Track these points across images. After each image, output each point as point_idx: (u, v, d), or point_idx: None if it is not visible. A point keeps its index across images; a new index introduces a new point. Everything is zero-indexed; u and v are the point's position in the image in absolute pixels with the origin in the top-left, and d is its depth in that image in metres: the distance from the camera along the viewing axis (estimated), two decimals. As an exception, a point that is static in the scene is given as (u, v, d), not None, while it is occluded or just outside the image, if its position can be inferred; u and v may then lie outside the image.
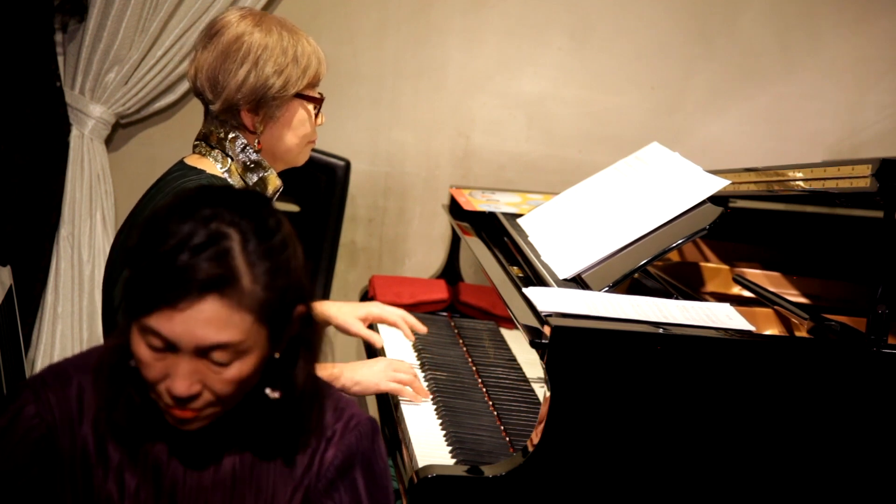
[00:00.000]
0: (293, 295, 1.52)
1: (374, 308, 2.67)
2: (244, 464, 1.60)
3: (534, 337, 2.05)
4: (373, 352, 2.74)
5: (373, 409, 2.58)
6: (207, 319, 1.44)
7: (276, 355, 1.55)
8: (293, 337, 1.55)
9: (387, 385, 2.37)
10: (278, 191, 2.31)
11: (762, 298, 2.53)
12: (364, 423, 1.65)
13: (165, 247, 1.44)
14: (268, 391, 1.56)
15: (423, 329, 2.66)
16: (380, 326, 2.90)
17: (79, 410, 1.59)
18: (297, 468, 1.61)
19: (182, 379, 1.47)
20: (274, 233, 1.50)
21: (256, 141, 2.25)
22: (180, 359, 1.47)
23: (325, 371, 2.33)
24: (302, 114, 2.28)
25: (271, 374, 1.55)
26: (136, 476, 1.58)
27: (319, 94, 2.31)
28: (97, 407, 1.58)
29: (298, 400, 1.57)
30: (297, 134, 2.29)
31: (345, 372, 2.36)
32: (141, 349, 1.48)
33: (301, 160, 2.34)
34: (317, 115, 2.31)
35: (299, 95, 2.25)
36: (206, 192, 1.52)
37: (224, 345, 1.46)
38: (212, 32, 2.23)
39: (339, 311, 2.63)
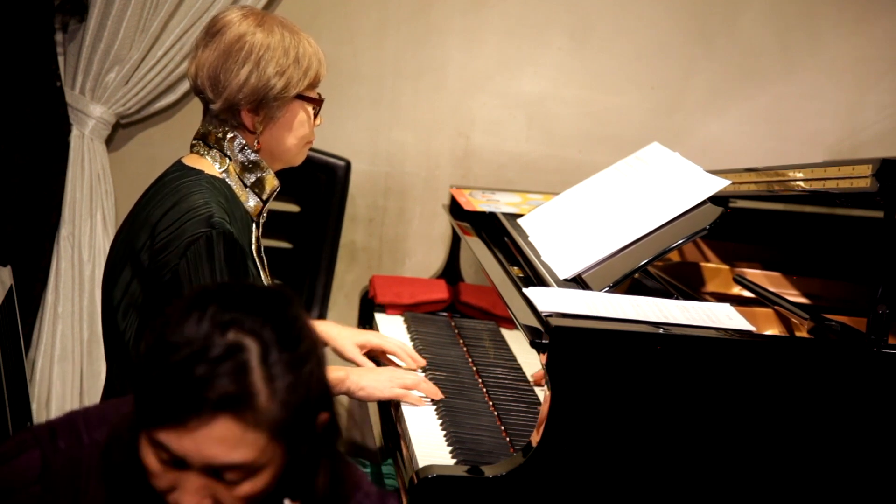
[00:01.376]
0: (314, 407, 1.43)
1: (374, 338, 2.61)
2: None
3: (534, 337, 2.05)
4: (376, 359, 2.74)
5: (373, 409, 2.58)
6: (219, 439, 1.35)
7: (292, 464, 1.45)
8: (314, 443, 1.46)
9: (392, 392, 2.37)
10: (275, 191, 2.31)
11: (762, 298, 2.53)
12: (375, 500, 1.59)
13: (178, 356, 1.34)
14: (285, 501, 1.48)
15: (421, 362, 2.56)
16: (380, 327, 2.90)
17: (87, 479, 1.51)
18: None
19: (191, 495, 1.39)
20: (298, 341, 1.40)
21: (256, 141, 2.25)
22: (189, 474, 1.39)
23: (331, 373, 2.33)
24: (302, 115, 2.28)
25: (290, 482, 1.46)
26: None
27: (319, 95, 2.31)
28: (107, 481, 1.49)
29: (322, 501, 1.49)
30: (296, 135, 2.29)
31: (351, 376, 2.36)
32: (149, 458, 1.40)
33: (298, 160, 2.35)
34: (316, 117, 2.32)
35: (300, 97, 2.26)
36: (226, 292, 1.41)
37: (236, 466, 1.38)
38: (213, 31, 2.23)
39: (339, 334, 2.58)
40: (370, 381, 2.38)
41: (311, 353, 1.41)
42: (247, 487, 1.39)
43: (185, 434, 1.35)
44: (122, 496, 1.47)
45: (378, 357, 2.63)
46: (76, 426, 1.54)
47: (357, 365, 2.55)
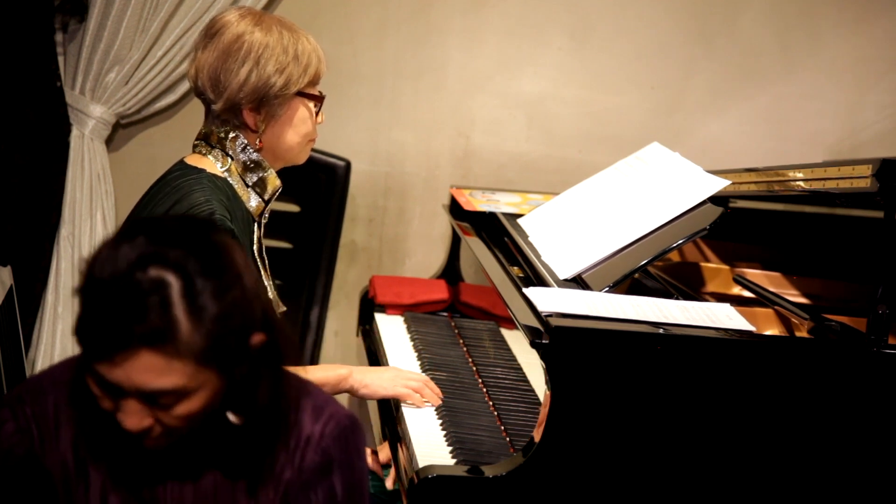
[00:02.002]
0: (243, 331, 1.47)
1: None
2: (225, 477, 1.58)
3: (534, 337, 2.05)
4: (376, 358, 2.74)
5: (373, 409, 2.58)
6: (145, 369, 1.41)
7: (237, 377, 1.50)
8: (254, 360, 1.51)
9: (395, 391, 2.37)
10: (277, 191, 2.31)
11: (762, 298, 2.53)
12: (343, 422, 1.62)
13: (103, 293, 1.40)
14: (229, 416, 1.53)
15: (439, 398, 2.43)
16: (380, 327, 2.90)
17: (56, 426, 1.58)
18: (277, 471, 1.60)
19: (131, 416, 1.45)
20: (223, 270, 1.44)
21: (258, 140, 2.25)
22: (128, 400, 1.45)
23: (333, 371, 2.34)
24: (303, 112, 2.28)
25: (232, 399, 1.52)
26: (120, 494, 1.57)
27: (320, 92, 2.31)
28: (76, 425, 1.57)
29: (266, 414, 1.55)
30: (298, 132, 2.29)
31: (354, 374, 2.36)
32: (91, 384, 1.47)
33: (301, 159, 2.35)
34: (317, 114, 2.32)
35: (301, 94, 2.26)
36: (154, 224, 1.46)
37: (167, 391, 1.43)
38: (212, 32, 2.24)
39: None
40: (374, 380, 2.37)
41: (237, 280, 1.45)
42: (182, 409, 1.46)
43: (114, 366, 1.41)
44: (88, 432, 1.55)
45: (380, 358, 2.64)
46: (40, 386, 1.60)
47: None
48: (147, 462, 1.57)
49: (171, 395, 1.44)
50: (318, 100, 2.31)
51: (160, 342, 1.40)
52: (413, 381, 2.40)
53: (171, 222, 1.48)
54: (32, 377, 1.64)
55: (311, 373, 2.29)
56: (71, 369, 1.58)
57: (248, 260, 1.52)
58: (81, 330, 1.44)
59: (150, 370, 1.41)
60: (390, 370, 2.44)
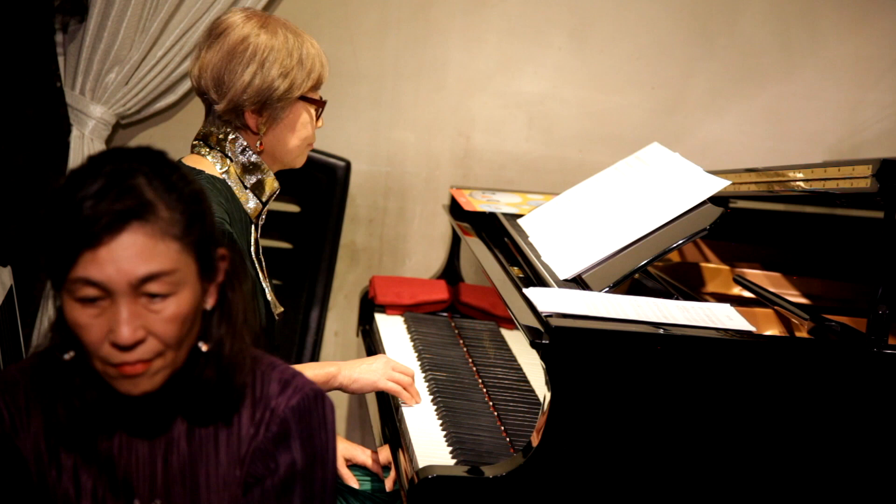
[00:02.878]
0: (210, 230, 1.55)
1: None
2: (192, 445, 1.62)
3: (534, 337, 2.05)
4: (373, 351, 2.74)
5: (373, 410, 2.58)
6: (133, 251, 1.45)
7: (207, 308, 1.57)
8: (221, 285, 1.58)
9: (385, 384, 2.37)
10: (275, 193, 2.31)
11: (762, 299, 2.53)
12: (307, 394, 1.65)
13: (74, 199, 1.45)
14: (200, 344, 1.57)
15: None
16: (380, 328, 2.91)
17: (27, 413, 1.60)
18: (243, 442, 1.63)
19: (124, 325, 1.47)
20: (173, 170, 1.53)
21: (259, 142, 2.25)
22: (118, 304, 1.46)
23: (322, 369, 2.34)
24: (305, 116, 2.29)
25: (203, 329, 1.57)
26: (92, 474, 1.60)
27: (321, 97, 2.32)
28: (46, 410, 1.59)
29: (228, 359, 1.59)
30: (298, 136, 2.29)
31: (342, 370, 2.36)
32: (76, 312, 1.48)
33: (299, 162, 2.35)
34: (318, 118, 2.32)
35: (303, 98, 2.26)
36: (102, 152, 1.55)
37: (156, 274, 1.47)
38: (216, 32, 2.24)
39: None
40: (363, 373, 2.36)
41: (188, 180, 1.53)
42: (172, 306, 1.49)
43: (101, 254, 1.44)
44: (56, 412, 1.57)
45: (375, 348, 2.63)
46: (11, 374, 1.64)
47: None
48: (118, 439, 1.60)
49: (162, 282, 1.47)
50: (320, 105, 2.31)
51: (142, 215, 1.46)
52: (400, 374, 2.39)
53: (120, 148, 1.57)
54: (6, 368, 1.69)
55: (301, 371, 2.28)
56: (33, 360, 1.61)
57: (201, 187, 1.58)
58: (55, 244, 1.46)
59: (139, 252, 1.45)
60: (379, 360, 2.42)
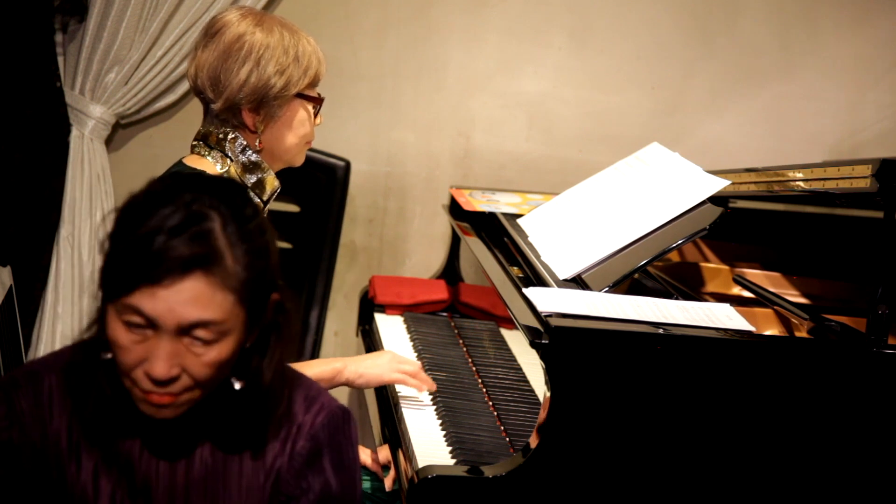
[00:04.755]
0: (270, 280, 1.55)
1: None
2: (216, 457, 1.61)
3: (534, 337, 2.05)
4: (372, 351, 2.73)
5: (373, 410, 2.58)
6: (190, 297, 1.45)
7: (247, 346, 1.56)
8: (265, 326, 1.57)
9: (391, 376, 2.36)
10: (276, 191, 2.31)
11: (762, 299, 2.53)
12: (335, 412, 1.66)
13: (146, 228, 1.46)
14: (233, 381, 1.56)
15: (432, 386, 2.46)
16: (380, 328, 2.90)
17: (50, 410, 1.60)
18: (267, 458, 1.63)
19: (162, 361, 1.47)
20: (251, 218, 1.53)
21: (257, 141, 2.25)
22: (160, 340, 1.47)
23: (328, 365, 2.34)
24: (302, 113, 2.28)
25: (240, 364, 1.56)
26: (111, 477, 1.59)
27: (319, 94, 2.32)
28: (69, 408, 1.59)
29: (265, 391, 1.58)
30: (296, 134, 2.29)
31: (348, 365, 2.36)
32: (118, 332, 1.48)
33: (298, 161, 2.35)
34: (316, 116, 2.32)
35: (300, 95, 2.26)
36: (185, 178, 1.55)
37: (206, 322, 1.47)
38: (212, 32, 2.24)
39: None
40: (368, 367, 2.37)
41: (264, 230, 1.54)
42: (214, 353, 1.49)
43: (159, 292, 1.45)
44: (84, 416, 1.58)
45: (375, 347, 2.63)
46: (35, 370, 1.62)
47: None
48: (141, 444, 1.60)
49: (210, 330, 1.47)
50: (318, 102, 2.31)
51: (208, 266, 1.46)
52: (407, 365, 2.39)
53: (201, 176, 1.57)
54: (29, 362, 1.67)
55: (306, 368, 2.29)
56: (68, 355, 1.60)
57: (267, 221, 1.58)
58: (119, 265, 1.46)
59: (196, 299, 1.45)
60: (385, 355, 2.42)
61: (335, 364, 2.35)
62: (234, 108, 2.23)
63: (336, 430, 1.65)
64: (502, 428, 2.30)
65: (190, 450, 1.61)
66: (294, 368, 1.69)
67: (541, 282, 2.43)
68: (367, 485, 2.44)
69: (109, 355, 1.52)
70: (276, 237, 1.59)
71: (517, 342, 2.62)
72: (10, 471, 1.58)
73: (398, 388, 2.45)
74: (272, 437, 1.63)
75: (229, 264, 1.47)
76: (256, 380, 1.58)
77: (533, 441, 2.05)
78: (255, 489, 1.62)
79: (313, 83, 2.29)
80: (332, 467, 1.64)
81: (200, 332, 1.48)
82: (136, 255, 1.45)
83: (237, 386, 1.56)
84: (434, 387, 2.40)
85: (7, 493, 1.58)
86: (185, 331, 1.47)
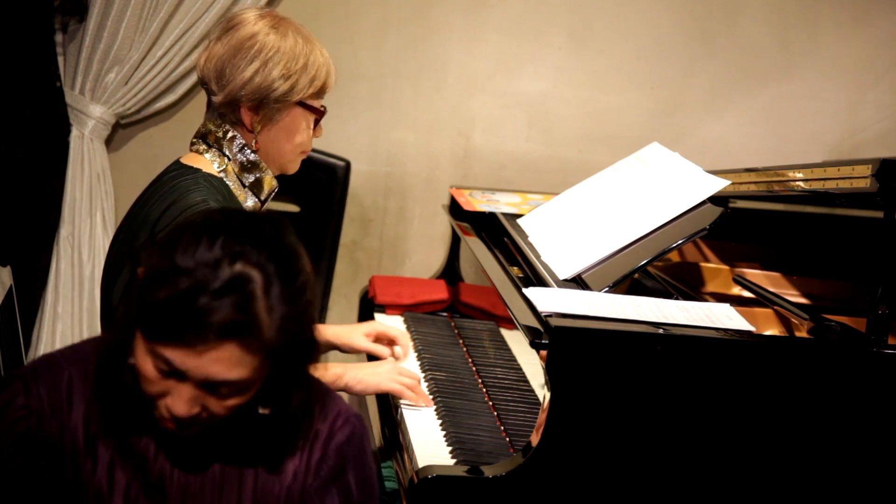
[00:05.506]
0: (303, 337, 1.53)
1: (377, 325, 2.61)
2: (233, 462, 1.62)
3: (534, 337, 2.05)
4: (375, 358, 2.73)
5: (373, 410, 2.58)
6: (221, 360, 1.46)
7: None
8: (296, 361, 1.56)
9: (389, 385, 2.37)
10: (274, 191, 2.30)
11: (762, 298, 2.53)
12: (352, 421, 1.66)
13: (189, 282, 1.43)
14: (260, 409, 1.57)
15: (410, 351, 2.60)
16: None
17: (69, 401, 1.60)
18: (285, 465, 1.63)
19: (183, 403, 1.49)
20: (296, 275, 1.50)
21: (254, 140, 2.25)
22: (186, 385, 1.49)
23: (328, 371, 2.34)
24: (301, 122, 2.27)
25: (265, 393, 1.56)
26: (127, 472, 1.60)
27: (322, 106, 2.30)
28: (88, 401, 1.59)
29: (291, 417, 1.59)
30: (292, 141, 2.28)
31: (348, 371, 2.36)
32: (146, 366, 1.49)
33: (291, 169, 2.33)
34: (316, 127, 2.31)
35: (302, 104, 2.25)
36: (234, 223, 1.50)
37: (233, 382, 1.48)
38: (228, 26, 2.24)
39: (346, 332, 2.56)
40: (367, 375, 2.37)
41: (307, 285, 1.51)
42: (234, 401, 1.51)
43: (190, 354, 1.44)
44: (105, 412, 1.58)
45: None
46: (55, 361, 1.63)
47: (373, 354, 2.57)
48: (157, 442, 1.60)
49: (233, 388, 1.48)
50: (319, 113, 2.29)
51: (244, 335, 1.45)
52: (407, 377, 2.40)
53: (250, 220, 1.51)
54: (49, 353, 1.67)
55: None
56: (97, 348, 1.60)
57: (313, 269, 1.55)
58: (156, 313, 1.45)
59: (226, 362, 1.45)
60: (385, 364, 2.43)
61: (336, 369, 2.35)
62: (233, 103, 2.22)
63: (359, 441, 1.66)
64: (502, 428, 2.30)
65: (206, 450, 1.61)
66: (326, 378, 1.71)
67: (541, 282, 2.43)
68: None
69: (132, 361, 1.52)
70: (314, 321, 1.55)
71: (517, 342, 2.62)
72: (29, 460, 1.58)
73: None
74: (290, 447, 1.64)
75: (266, 332, 1.46)
76: (283, 407, 1.58)
77: (533, 441, 2.05)
78: (270, 496, 1.62)
79: (319, 94, 2.28)
80: (356, 477, 1.65)
81: (225, 389, 1.49)
82: (175, 312, 1.44)
83: (263, 412, 1.57)
84: (431, 403, 2.40)
85: (25, 483, 1.58)
86: (208, 386, 1.49)
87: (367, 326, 2.60)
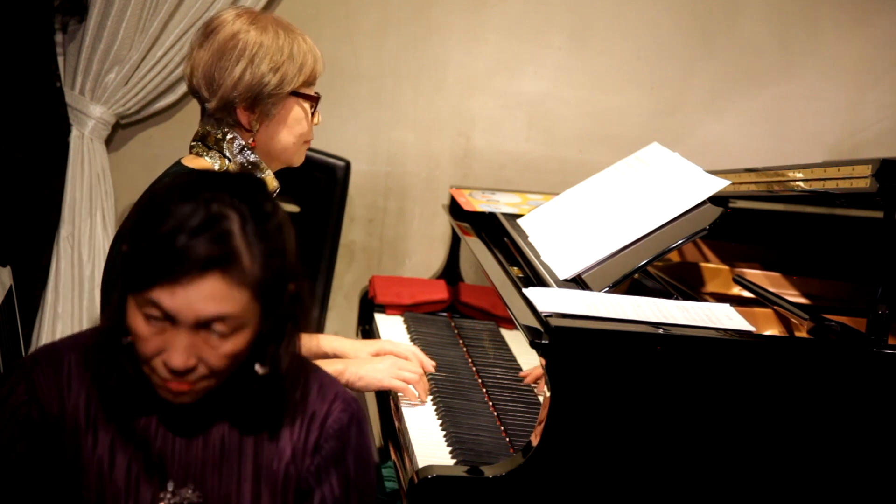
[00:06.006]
0: (286, 275, 1.59)
1: (387, 345, 2.56)
2: (232, 438, 1.65)
3: (534, 337, 2.05)
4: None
5: (373, 410, 2.58)
6: (208, 294, 1.50)
7: (264, 331, 1.60)
8: (282, 315, 1.61)
9: (390, 382, 2.37)
10: (275, 192, 2.31)
11: (762, 299, 2.53)
12: (351, 404, 1.70)
13: (167, 227, 1.50)
14: (257, 367, 1.61)
15: (431, 366, 2.50)
16: (380, 328, 2.90)
17: (69, 385, 1.65)
18: (283, 442, 1.66)
19: (179, 352, 1.52)
20: (270, 216, 1.56)
21: (251, 139, 2.25)
22: (178, 332, 1.52)
23: (330, 366, 2.34)
24: (298, 112, 2.28)
25: (259, 351, 1.61)
26: (128, 451, 1.63)
27: (316, 93, 2.31)
28: (88, 384, 1.64)
29: (283, 376, 1.62)
30: (293, 132, 2.29)
31: (349, 367, 2.36)
32: (138, 323, 1.53)
33: (297, 160, 2.34)
34: (313, 114, 2.32)
35: (295, 93, 2.26)
36: (205, 175, 1.60)
37: (223, 317, 1.52)
38: (208, 31, 2.24)
39: (353, 347, 2.53)
40: (368, 371, 2.37)
41: (282, 227, 1.58)
42: (229, 345, 1.54)
43: (178, 291, 1.50)
44: (103, 393, 1.63)
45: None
46: (56, 348, 1.69)
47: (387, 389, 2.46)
48: (157, 421, 1.64)
49: (225, 324, 1.52)
50: (314, 100, 2.30)
51: (226, 266, 1.51)
52: (408, 372, 2.39)
53: (223, 175, 1.62)
54: (50, 343, 1.73)
55: None
56: (89, 336, 1.66)
57: (288, 219, 1.61)
58: (140, 260, 1.51)
59: (213, 296, 1.50)
60: (386, 360, 2.42)
61: (337, 366, 2.35)
62: (228, 106, 2.23)
63: (357, 424, 1.69)
64: (502, 428, 2.30)
65: (206, 428, 1.65)
66: (303, 356, 1.73)
67: (541, 282, 2.43)
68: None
69: (130, 339, 1.57)
70: (294, 231, 1.63)
71: (517, 342, 2.62)
72: (32, 445, 1.63)
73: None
74: (287, 423, 1.67)
75: (246, 264, 1.52)
76: (274, 366, 1.62)
77: (533, 441, 2.05)
78: (269, 473, 1.66)
79: (309, 81, 2.29)
80: (354, 459, 1.69)
81: (217, 326, 1.53)
82: (158, 252, 1.50)
83: (261, 371, 1.61)
84: (425, 399, 2.40)
85: (30, 468, 1.62)
86: (202, 325, 1.52)
87: (376, 346, 2.54)
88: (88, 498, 1.62)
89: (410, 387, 2.38)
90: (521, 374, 2.50)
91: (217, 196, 1.53)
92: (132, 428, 1.64)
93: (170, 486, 1.64)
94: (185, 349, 1.52)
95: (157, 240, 1.50)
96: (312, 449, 1.66)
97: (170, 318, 1.51)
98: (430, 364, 2.50)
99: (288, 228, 1.60)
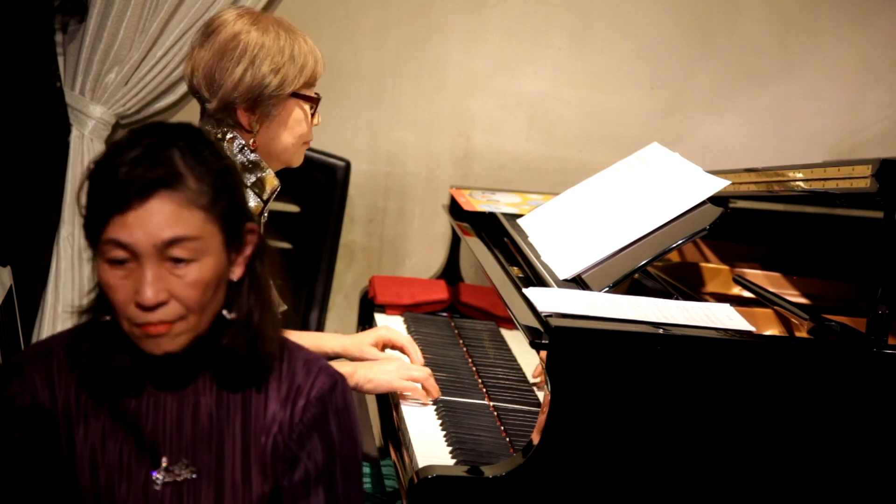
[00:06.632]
0: (240, 205, 1.63)
1: (384, 331, 2.57)
2: (219, 414, 1.68)
3: (534, 337, 2.05)
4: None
5: (373, 409, 2.58)
6: (160, 217, 1.54)
7: (234, 279, 1.64)
8: (249, 263, 1.66)
9: (400, 383, 2.36)
10: (276, 191, 2.31)
11: (762, 299, 2.53)
12: (334, 375, 1.73)
13: (108, 164, 1.56)
14: (224, 312, 1.64)
15: (421, 360, 2.52)
16: (379, 325, 2.90)
17: (58, 379, 1.68)
18: (268, 416, 1.69)
19: (148, 286, 1.55)
20: (208, 146, 1.62)
21: (252, 140, 2.25)
22: (143, 267, 1.55)
23: (339, 369, 2.33)
24: (298, 113, 2.28)
25: (229, 299, 1.65)
26: (118, 435, 1.66)
27: (316, 94, 2.31)
28: (77, 375, 1.67)
29: (257, 329, 1.66)
30: (293, 133, 2.29)
31: (358, 370, 2.36)
32: (106, 273, 1.57)
33: (296, 161, 2.34)
34: (313, 115, 2.32)
35: (296, 94, 2.26)
36: (144, 125, 1.66)
37: (180, 238, 1.55)
38: (208, 31, 2.24)
39: (351, 342, 2.52)
40: (377, 373, 2.36)
41: (220, 157, 1.62)
42: (194, 272, 1.57)
43: (129, 219, 1.54)
44: (91, 371, 1.66)
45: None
46: (47, 343, 1.73)
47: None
48: (146, 403, 1.67)
49: (186, 247, 1.55)
50: (314, 101, 2.30)
51: (173, 185, 1.55)
52: (416, 372, 2.39)
53: (162, 123, 1.67)
54: (39, 340, 1.79)
55: None
56: (74, 329, 1.69)
57: (234, 163, 1.67)
58: (90, 207, 1.57)
59: (165, 218, 1.54)
60: (393, 362, 2.42)
61: (345, 368, 2.34)
62: (229, 107, 2.23)
63: (341, 391, 1.72)
64: (502, 428, 2.30)
65: (195, 405, 1.68)
66: (292, 339, 1.76)
67: (541, 282, 2.43)
68: (367, 485, 2.44)
69: (108, 317, 1.61)
70: (241, 185, 1.67)
71: (517, 342, 2.62)
72: (28, 435, 1.66)
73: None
74: (273, 397, 1.69)
75: (191, 184, 1.56)
76: (246, 315, 1.65)
77: (533, 441, 2.05)
78: (256, 446, 1.68)
79: (309, 83, 2.29)
80: (338, 429, 1.71)
81: (178, 251, 1.55)
82: (103, 189, 1.55)
83: (229, 316, 1.64)
84: (439, 394, 2.40)
85: (27, 455, 1.66)
86: (163, 252, 1.55)
87: (374, 335, 2.55)
88: (83, 482, 1.66)
89: (419, 386, 2.38)
90: (534, 374, 2.49)
91: (157, 138, 1.58)
92: (122, 412, 1.66)
93: (163, 463, 1.66)
94: (152, 282, 1.54)
95: (102, 178, 1.55)
96: (298, 419, 1.69)
97: (132, 253, 1.54)
98: (420, 359, 2.51)
99: (235, 171, 1.64)
